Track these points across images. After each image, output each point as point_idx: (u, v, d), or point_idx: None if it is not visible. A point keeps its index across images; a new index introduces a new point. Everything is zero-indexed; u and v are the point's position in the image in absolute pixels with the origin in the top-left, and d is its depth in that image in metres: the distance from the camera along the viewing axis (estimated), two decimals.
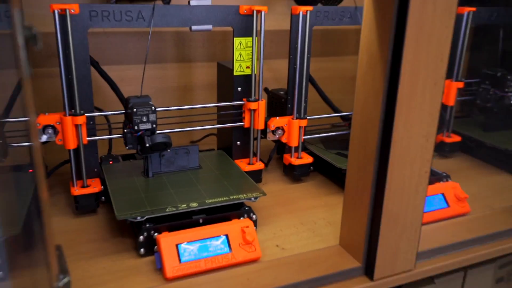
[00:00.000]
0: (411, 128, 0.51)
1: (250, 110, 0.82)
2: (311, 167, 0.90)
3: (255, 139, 0.86)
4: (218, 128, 0.98)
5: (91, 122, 0.74)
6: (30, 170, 0.72)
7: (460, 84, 1.01)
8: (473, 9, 0.95)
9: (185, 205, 0.65)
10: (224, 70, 0.86)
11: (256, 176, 0.86)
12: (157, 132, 0.73)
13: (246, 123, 0.84)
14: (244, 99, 0.82)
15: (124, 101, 0.75)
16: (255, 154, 0.87)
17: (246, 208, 0.69)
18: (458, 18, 0.99)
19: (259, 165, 0.86)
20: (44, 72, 0.92)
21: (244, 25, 0.79)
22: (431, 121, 0.52)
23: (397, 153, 0.52)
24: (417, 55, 0.48)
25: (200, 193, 0.69)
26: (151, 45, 1.04)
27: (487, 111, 1.08)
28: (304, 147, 0.93)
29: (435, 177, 0.84)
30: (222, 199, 0.67)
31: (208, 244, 0.60)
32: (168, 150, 0.76)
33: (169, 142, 0.73)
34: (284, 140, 0.88)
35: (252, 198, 0.68)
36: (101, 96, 1.00)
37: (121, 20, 0.70)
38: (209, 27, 0.76)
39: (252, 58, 0.80)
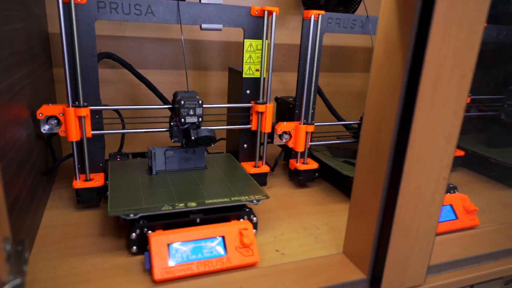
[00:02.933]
0: (431, 127, 0.39)
1: (257, 112, 0.71)
2: (316, 173, 0.78)
3: (262, 143, 0.74)
4: (227, 132, 0.88)
5: (97, 116, 0.64)
6: None
7: (467, 100, 0.88)
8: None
9: (183, 204, 0.53)
10: (235, 74, 0.76)
11: (261, 179, 0.75)
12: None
13: (253, 126, 0.72)
14: (252, 102, 0.71)
15: (172, 96, 0.66)
16: (261, 158, 0.75)
17: (247, 210, 0.57)
18: None
19: (265, 168, 0.74)
20: None
21: (255, 27, 0.68)
22: (455, 120, 0.40)
23: (414, 155, 0.40)
24: (446, 40, 0.36)
25: (201, 193, 0.57)
26: (169, 53, 0.94)
27: (494, 128, 0.95)
28: (310, 153, 0.82)
29: None
30: (222, 200, 0.55)
31: (202, 245, 0.49)
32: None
33: (213, 136, 0.64)
34: (290, 145, 0.76)
35: (254, 201, 0.56)
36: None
37: (129, 13, 0.60)
38: (219, 26, 0.65)
39: (261, 60, 0.69)
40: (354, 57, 1.14)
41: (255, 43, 0.69)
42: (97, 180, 0.63)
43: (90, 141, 0.63)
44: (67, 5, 0.54)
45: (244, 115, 0.73)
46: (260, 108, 0.70)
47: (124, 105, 0.93)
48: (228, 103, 0.82)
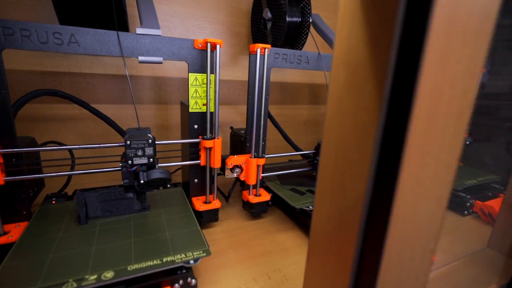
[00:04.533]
0: (420, 189, 0.19)
1: (205, 148, 0.49)
2: (270, 202, 0.57)
3: (213, 177, 0.52)
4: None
5: (14, 159, 0.39)
6: None
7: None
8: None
9: (95, 276, 0.30)
10: (185, 108, 0.54)
11: (212, 215, 0.52)
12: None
13: (202, 161, 0.50)
14: (200, 137, 0.49)
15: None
16: (213, 191, 0.53)
17: (184, 271, 0.35)
18: None
19: (216, 204, 0.52)
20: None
21: (200, 61, 0.46)
22: (447, 176, 0.20)
23: (397, 230, 0.19)
24: (445, 61, 0.16)
25: (128, 254, 0.34)
26: (129, 88, 0.71)
27: None
28: (263, 183, 0.61)
29: None
30: (151, 263, 0.32)
31: None
32: (116, 190, 0.42)
33: (166, 178, 0.41)
34: (242, 178, 0.54)
35: (192, 261, 0.34)
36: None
37: (47, 42, 0.37)
38: (159, 59, 0.43)
39: (207, 95, 0.47)
40: (300, 92, 0.95)
41: (200, 77, 0.47)
42: (13, 234, 0.38)
43: (5, 189, 0.38)
44: None
45: (193, 151, 0.51)
46: (207, 143, 0.48)
47: (89, 143, 0.68)
48: (182, 137, 0.59)
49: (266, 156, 0.54)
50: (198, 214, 0.50)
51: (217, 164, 0.49)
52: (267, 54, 0.48)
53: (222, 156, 0.53)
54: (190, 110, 0.48)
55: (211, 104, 0.48)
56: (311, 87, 0.96)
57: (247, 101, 0.53)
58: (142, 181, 0.39)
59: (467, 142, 0.76)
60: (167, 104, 0.76)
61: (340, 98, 0.21)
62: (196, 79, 0.47)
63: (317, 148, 0.62)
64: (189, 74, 0.46)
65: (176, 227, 0.41)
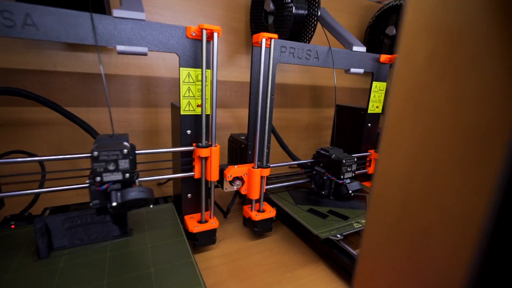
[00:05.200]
0: None
1: (200, 158, 0.40)
2: (274, 218, 0.49)
3: (209, 191, 0.44)
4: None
5: None
6: None
7: None
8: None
9: None
10: (176, 111, 0.45)
11: (209, 237, 0.43)
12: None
13: (196, 173, 0.42)
14: (194, 144, 0.41)
15: None
16: (209, 207, 0.45)
17: None
18: None
19: (212, 224, 0.43)
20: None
21: (193, 53, 0.38)
22: None
23: None
24: None
25: None
26: (114, 89, 0.62)
27: None
28: (267, 197, 0.52)
29: None
30: None
31: None
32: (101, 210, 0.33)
33: (147, 198, 0.31)
34: (243, 191, 0.46)
35: None
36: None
37: None
38: (143, 50, 0.35)
39: (202, 94, 0.39)
40: (301, 94, 0.88)
41: (194, 72, 0.39)
42: None
43: None
44: None
45: (186, 161, 0.42)
46: (203, 152, 0.39)
47: (65, 154, 0.59)
48: (173, 145, 0.51)
49: (271, 165, 0.46)
50: (192, 236, 0.42)
51: (214, 176, 0.41)
52: (273, 47, 0.40)
53: (220, 166, 0.44)
54: (181, 113, 0.40)
55: (207, 106, 0.40)
56: (313, 89, 0.89)
57: (249, 102, 0.45)
58: (114, 204, 0.30)
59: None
60: (157, 107, 0.68)
61: (419, 87, 0.13)
62: (189, 75, 0.39)
63: (316, 156, 0.54)
64: (180, 68, 0.38)
65: (164, 258, 0.32)
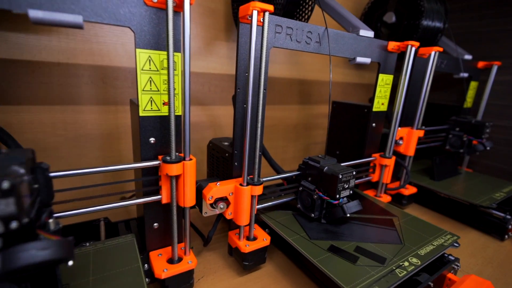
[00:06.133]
0: None
1: (169, 176, 0.29)
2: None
3: (184, 219, 0.32)
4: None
5: None
6: None
7: (421, 133, 0.56)
8: (440, 49, 0.52)
9: None
10: (135, 111, 0.33)
11: (184, 281, 0.32)
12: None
13: (164, 197, 0.30)
14: (160, 157, 0.29)
15: None
16: (183, 239, 0.33)
17: None
18: (423, 61, 0.56)
19: (188, 264, 0.31)
20: None
21: (155, 28, 0.26)
22: None
23: None
24: None
25: None
26: (58, 82, 0.48)
27: (437, 160, 0.65)
28: (257, 217, 0.42)
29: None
30: None
31: None
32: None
33: (53, 259, 0.17)
34: (228, 215, 0.35)
35: None
36: None
37: None
38: (76, 19, 0.23)
39: (169, 88, 0.28)
40: (289, 90, 0.78)
41: (157, 56, 0.27)
42: None
43: None
44: None
45: (149, 180, 0.30)
46: (173, 169, 0.28)
47: None
48: (134, 156, 0.38)
49: (264, 179, 0.36)
50: (161, 283, 0.30)
51: (189, 201, 0.30)
52: (267, 24, 0.30)
53: (197, 183, 0.33)
54: (141, 114, 0.28)
55: (178, 104, 0.28)
56: (302, 84, 0.79)
57: (235, 97, 0.34)
58: None
59: (488, 148, 0.64)
60: (117, 105, 0.54)
61: None
62: (149, 60, 0.27)
63: (303, 168, 0.41)
64: (137, 50, 0.26)
65: None
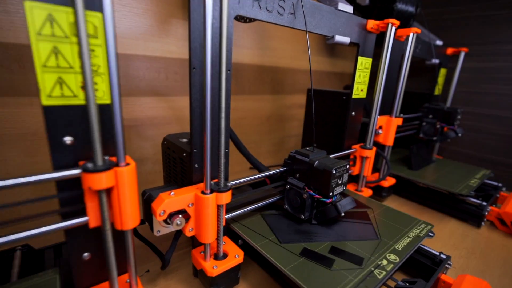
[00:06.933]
0: None
1: (94, 192, 0.20)
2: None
3: (123, 245, 0.24)
4: None
5: None
6: None
7: (400, 121, 0.53)
8: (418, 30, 0.48)
9: None
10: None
11: None
12: None
13: (91, 220, 0.21)
14: (81, 163, 0.21)
15: None
16: (126, 269, 0.25)
17: None
18: (400, 44, 0.51)
19: None
20: None
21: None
22: None
23: None
24: None
25: None
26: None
27: (414, 148, 0.62)
28: (227, 228, 0.34)
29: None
30: None
31: None
32: None
33: None
34: (189, 232, 0.28)
35: None
36: None
37: None
38: None
39: (82, 63, 0.19)
40: (260, 78, 0.71)
41: (66, 16, 0.18)
42: None
43: None
44: None
45: (68, 197, 0.21)
46: (100, 180, 0.19)
47: None
48: (52, 164, 0.28)
49: (232, 182, 0.28)
50: None
51: (129, 221, 0.21)
52: None
53: (145, 193, 0.25)
54: (44, 102, 0.19)
55: (103, 87, 0.20)
56: (274, 71, 0.73)
57: (190, 81, 0.25)
58: None
59: (459, 134, 0.63)
60: (31, 96, 0.43)
61: None
62: (51, 20, 0.18)
63: (289, 163, 0.36)
64: (26, 3, 0.17)
65: None
